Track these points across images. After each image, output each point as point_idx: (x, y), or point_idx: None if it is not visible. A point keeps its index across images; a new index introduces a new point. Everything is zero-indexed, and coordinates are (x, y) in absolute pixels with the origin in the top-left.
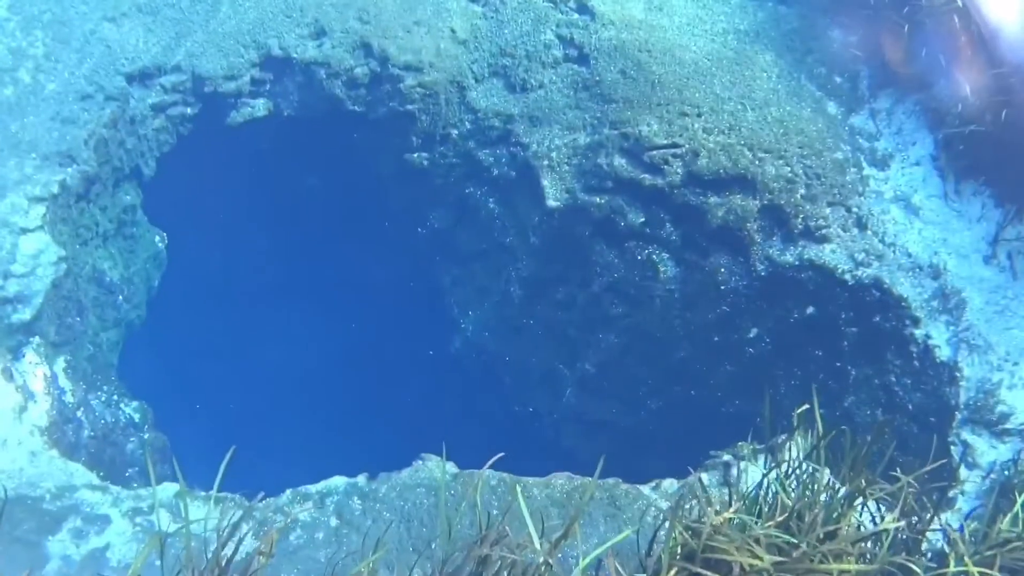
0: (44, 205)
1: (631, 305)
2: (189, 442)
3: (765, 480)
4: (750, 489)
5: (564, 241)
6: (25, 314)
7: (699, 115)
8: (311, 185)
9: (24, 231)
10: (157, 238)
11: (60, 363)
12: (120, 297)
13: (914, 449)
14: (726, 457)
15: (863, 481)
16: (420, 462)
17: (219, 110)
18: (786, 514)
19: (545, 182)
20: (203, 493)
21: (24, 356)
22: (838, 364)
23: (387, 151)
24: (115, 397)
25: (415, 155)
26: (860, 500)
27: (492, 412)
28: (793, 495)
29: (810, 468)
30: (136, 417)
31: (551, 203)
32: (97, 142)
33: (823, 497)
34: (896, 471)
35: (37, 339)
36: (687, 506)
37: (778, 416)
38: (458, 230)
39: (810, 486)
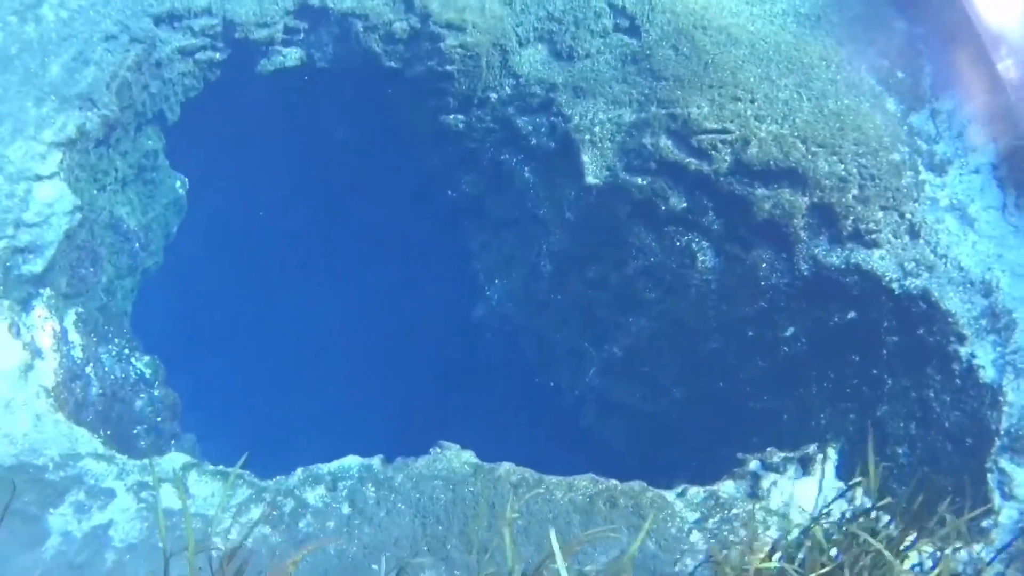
0: (61, 151)
1: (665, 291)
2: (199, 392)
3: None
4: (792, 535)
5: (600, 219)
6: (36, 265)
7: (752, 101)
8: (339, 138)
9: (39, 178)
10: (178, 183)
11: (71, 316)
12: (136, 244)
13: (945, 468)
14: (753, 464)
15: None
16: (438, 450)
17: (249, 57)
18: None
19: (585, 158)
20: (211, 467)
21: (33, 309)
22: (874, 371)
23: (422, 110)
24: (126, 351)
25: (451, 117)
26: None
27: (511, 383)
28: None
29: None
30: (147, 373)
31: (590, 180)
32: (120, 85)
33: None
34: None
35: (48, 291)
36: (717, 526)
37: (806, 417)
38: (489, 196)
39: (857, 536)
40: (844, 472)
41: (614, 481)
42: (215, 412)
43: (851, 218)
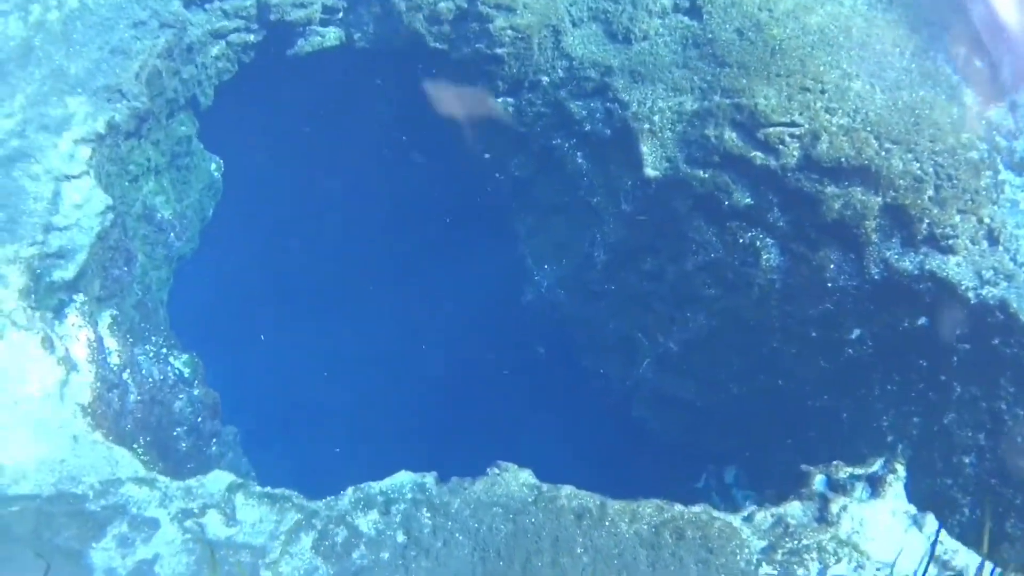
0: (90, 147)
1: (726, 288)
2: (237, 381)
3: None
4: None
5: (659, 212)
6: (68, 271)
7: (823, 92)
8: (382, 120)
9: (68, 178)
10: (213, 166)
11: (105, 319)
12: (171, 234)
13: (1016, 483)
14: (818, 480)
15: None
16: (496, 471)
17: (286, 38)
18: None
19: (644, 148)
20: (258, 489)
21: (66, 317)
22: (943, 378)
23: (470, 92)
24: (164, 350)
25: (500, 100)
26: None
27: (561, 370)
28: None
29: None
30: (186, 372)
31: (649, 172)
32: (150, 74)
33: None
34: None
35: (81, 296)
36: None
37: (867, 418)
38: (539, 180)
39: None
40: (913, 490)
41: (679, 507)
42: (258, 397)
43: (926, 221)
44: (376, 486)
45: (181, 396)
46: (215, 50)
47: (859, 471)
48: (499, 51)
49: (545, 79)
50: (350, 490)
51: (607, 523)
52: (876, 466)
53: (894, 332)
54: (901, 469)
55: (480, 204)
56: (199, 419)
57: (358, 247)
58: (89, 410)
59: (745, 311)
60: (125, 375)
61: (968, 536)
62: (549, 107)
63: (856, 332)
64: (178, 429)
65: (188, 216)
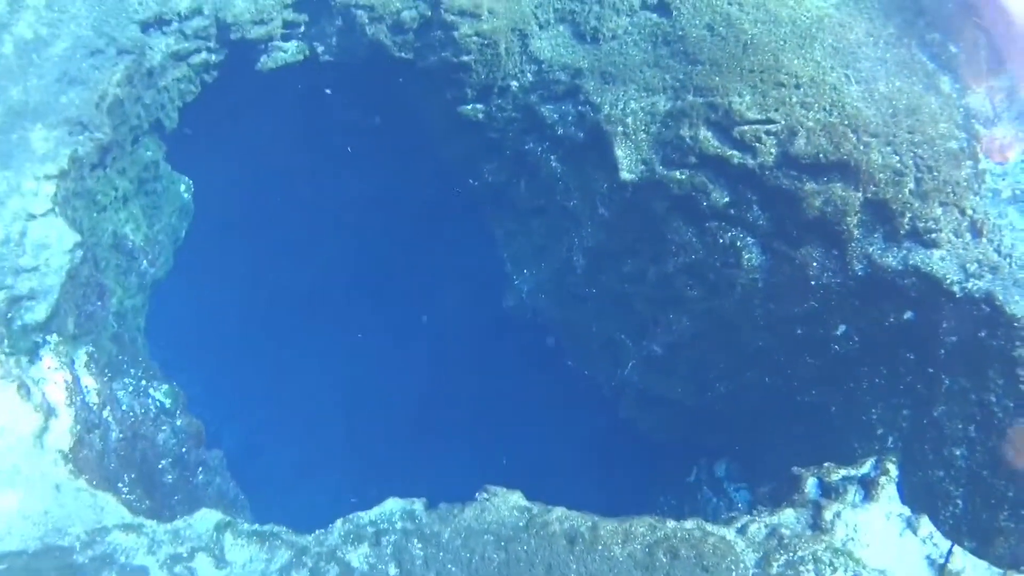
0: (54, 183)
1: (709, 290)
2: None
3: None
4: None
5: (637, 215)
6: (39, 313)
7: (797, 87)
8: (349, 132)
9: (32, 217)
10: (183, 187)
11: (82, 357)
12: (144, 262)
13: (1005, 474)
14: (810, 483)
15: None
16: (485, 496)
17: (247, 55)
18: None
19: (619, 152)
20: (246, 526)
21: (41, 360)
22: (931, 370)
23: (437, 101)
24: (143, 382)
25: (469, 107)
26: None
27: (547, 374)
28: None
29: None
30: (167, 403)
31: (625, 175)
32: (111, 104)
33: None
34: None
35: (55, 337)
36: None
37: (856, 411)
38: (514, 185)
39: None
40: (905, 483)
41: (671, 524)
42: (242, 394)
43: (908, 215)
44: (365, 516)
45: (164, 428)
46: (177, 72)
47: (851, 472)
48: (466, 58)
49: (514, 84)
50: (339, 522)
51: (600, 547)
52: (867, 467)
53: (880, 327)
54: (893, 469)
55: (455, 211)
56: (183, 449)
57: (331, 255)
58: (70, 456)
59: (728, 311)
60: (105, 413)
61: (962, 528)
62: (520, 112)
63: (842, 328)
64: (163, 461)
65: (160, 240)
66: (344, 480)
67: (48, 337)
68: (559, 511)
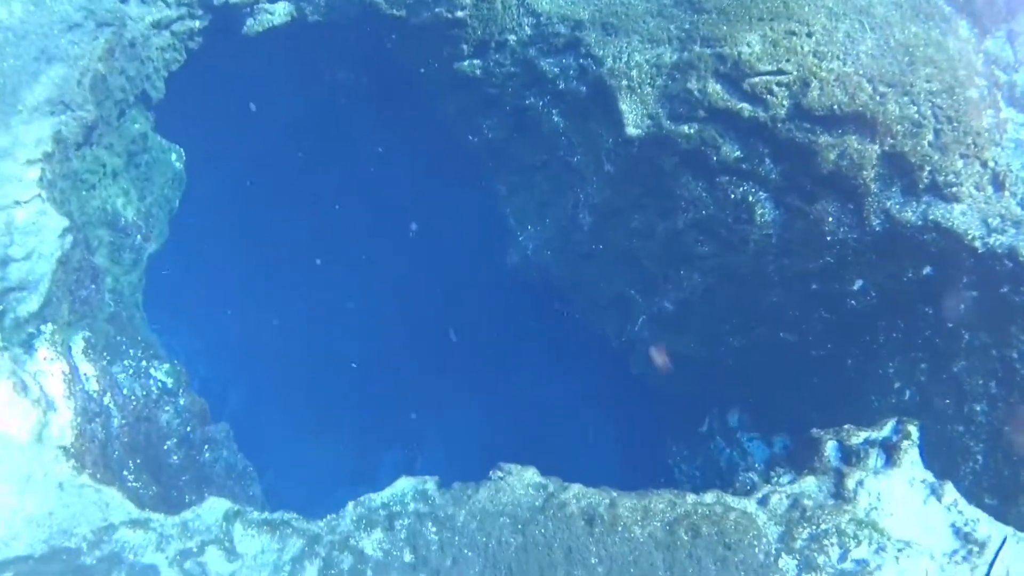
0: (38, 167)
1: (720, 246)
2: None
3: None
4: None
5: (644, 170)
6: (32, 303)
7: (809, 35)
8: (342, 91)
9: (19, 204)
10: (174, 156)
11: (78, 343)
12: (138, 236)
13: None
14: (829, 447)
15: None
16: (499, 475)
17: (233, 20)
18: None
19: (624, 106)
20: (256, 515)
21: (37, 351)
22: (950, 325)
23: (432, 59)
24: (143, 363)
25: (466, 63)
26: None
27: (555, 330)
28: None
29: None
30: (169, 383)
31: (631, 131)
32: (93, 80)
33: None
34: None
35: (49, 326)
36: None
37: (873, 363)
38: (515, 140)
39: None
40: (925, 445)
41: (691, 499)
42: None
43: (927, 169)
44: (377, 498)
45: (167, 408)
46: (160, 41)
47: (872, 435)
48: (460, 14)
49: (512, 38)
50: (351, 506)
51: (619, 528)
52: (887, 429)
53: (898, 282)
54: (914, 432)
55: (455, 166)
56: (188, 429)
57: (330, 214)
58: (72, 451)
59: (741, 267)
60: (106, 400)
61: (983, 484)
62: (519, 67)
63: (858, 283)
64: (168, 442)
65: (154, 213)
66: (351, 437)
67: (43, 327)
68: (575, 488)
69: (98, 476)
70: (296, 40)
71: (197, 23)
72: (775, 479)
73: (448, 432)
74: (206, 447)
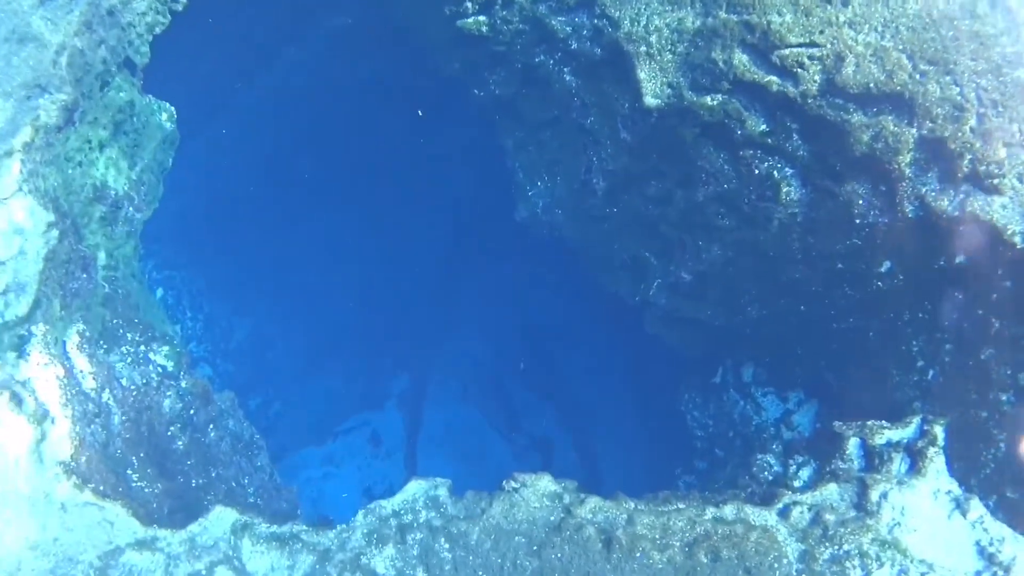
0: (18, 158)
1: (742, 221)
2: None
3: None
4: None
5: (662, 139)
6: (21, 306)
7: (845, 3)
8: (341, 45)
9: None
10: (164, 116)
11: (73, 338)
12: (130, 208)
13: None
14: (852, 445)
15: None
16: (513, 487)
17: None
18: None
19: (642, 74)
20: (265, 528)
21: (30, 356)
22: (980, 312)
23: (434, 18)
24: (142, 348)
25: (471, 20)
26: None
27: (569, 287)
28: None
29: None
30: (169, 366)
31: (650, 100)
32: (71, 57)
33: None
34: None
35: (41, 327)
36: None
37: (896, 340)
38: (523, 97)
39: None
40: (953, 465)
41: (710, 514)
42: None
43: (968, 157)
44: (388, 505)
45: (169, 394)
46: (140, 5)
47: (896, 435)
48: None
49: None
50: (361, 515)
51: (638, 553)
52: (912, 428)
53: (928, 267)
54: (940, 435)
55: (461, 119)
56: (191, 412)
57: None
58: (72, 465)
59: (764, 244)
60: (105, 396)
61: (1004, 473)
62: (528, 24)
63: (886, 265)
64: (172, 428)
65: (145, 180)
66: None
67: (34, 328)
68: (592, 503)
69: (101, 488)
70: None
71: None
72: (793, 468)
73: (457, 360)
74: (211, 427)
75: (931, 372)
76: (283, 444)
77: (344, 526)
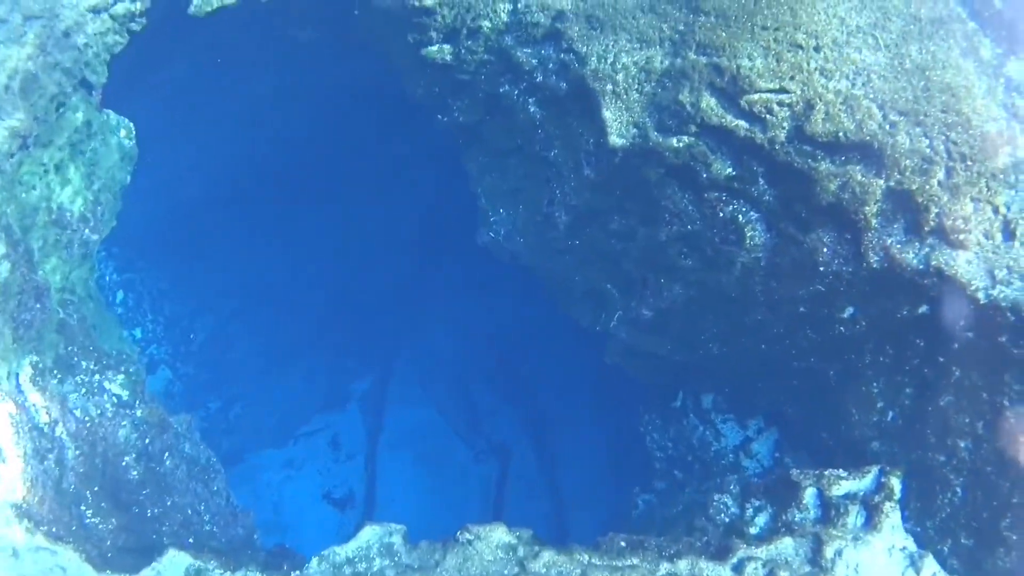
0: None
1: (705, 263)
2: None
3: None
4: None
5: (626, 178)
6: None
7: (817, 49)
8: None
9: None
10: (123, 133)
11: (26, 370)
12: (86, 229)
13: (1013, 475)
14: (808, 494)
15: None
16: (467, 537)
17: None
18: None
19: (608, 114)
20: (219, 572)
21: None
22: (941, 359)
23: (398, 43)
24: (96, 376)
25: (435, 48)
26: None
27: (528, 315)
28: None
29: None
30: (124, 395)
31: (615, 140)
32: (23, 81)
33: None
34: None
35: None
36: None
37: (856, 381)
38: (487, 124)
39: None
40: (909, 508)
41: (664, 568)
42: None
43: (935, 211)
44: (342, 552)
45: (124, 424)
46: (97, 26)
47: (853, 486)
48: (428, 2)
49: (486, 24)
50: (315, 561)
51: None
52: (869, 479)
53: (891, 316)
54: (897, 487)
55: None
56: (147, 441)
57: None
58: (24, 507)
59: (726, 285)
60: (58, 430)
61: (959, 519)
62: (493, 55)
63: (849, 311)
64: (126, 459)
65: (102, 200)
66: (322, 366)
67: None
68: (546, 556)
69: (54, 531)
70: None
71: (139, 5)
72: (749, 513)
73: (420, 359)
74: (166, 455)
75: (891, 414)
76: (243, 446)
77: (298, 573)
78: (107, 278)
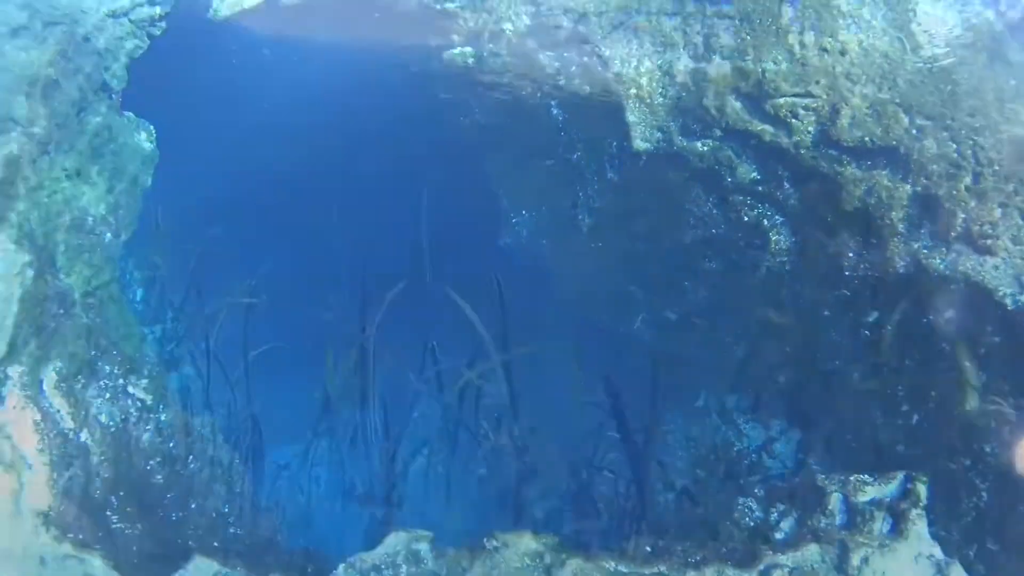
0: None
1: (729, 266)
2: None
3: None
4: None
5: (650, 181)
6: None
7: (843, 53)
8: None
9: None
10: (144, 135)
11: (50, 377)
12: (108, 234)
13: None
14: (834, 502)
15: None
16: (494, 544)
17: (198, 2)
18: None
19: (632, 118)
20: None
21: (6, 401)
22: (967, 364)
23: (418, 45)
24: (120, 380)
25: (457, 51)
26: None
27: (548, 317)
28: None
29: None
30: (148, 400)
31: (639, 144)
32: (45, 88)
33: None
34: None
35: (17, 368)
36: None
37: (880, 385)
38: (509, 125)
39: None
40: (935, 512)
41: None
42: None
43: (962, 216)
44: (368, 559)
45: (148, 428)
46: (117, 31)
47: (879, 492)
48: (449, 6)
49: (508, 27)
50: (342, 569)
51: None
52: (895, 484)
53: (916, 320)
54: (923, 493)
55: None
56: (171, 445)
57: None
58: (51, 514)
59: (750, 289)
60: (84, 436)
61: (985, 523)
62: (516, 57)
63: (874, 315)
64: (151, 463)
65: (123, 203)
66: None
67: (10, 371)
68: (573, 564)
69: (80, 538)
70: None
71: (158, 9)
72: (774, 515)
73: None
74: (190, 458)
75: (915, 417)
76: (266, 445)
77: None
78: (127, 275)
